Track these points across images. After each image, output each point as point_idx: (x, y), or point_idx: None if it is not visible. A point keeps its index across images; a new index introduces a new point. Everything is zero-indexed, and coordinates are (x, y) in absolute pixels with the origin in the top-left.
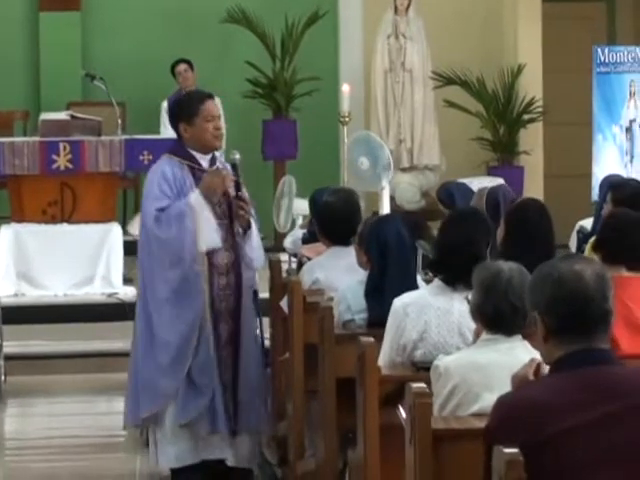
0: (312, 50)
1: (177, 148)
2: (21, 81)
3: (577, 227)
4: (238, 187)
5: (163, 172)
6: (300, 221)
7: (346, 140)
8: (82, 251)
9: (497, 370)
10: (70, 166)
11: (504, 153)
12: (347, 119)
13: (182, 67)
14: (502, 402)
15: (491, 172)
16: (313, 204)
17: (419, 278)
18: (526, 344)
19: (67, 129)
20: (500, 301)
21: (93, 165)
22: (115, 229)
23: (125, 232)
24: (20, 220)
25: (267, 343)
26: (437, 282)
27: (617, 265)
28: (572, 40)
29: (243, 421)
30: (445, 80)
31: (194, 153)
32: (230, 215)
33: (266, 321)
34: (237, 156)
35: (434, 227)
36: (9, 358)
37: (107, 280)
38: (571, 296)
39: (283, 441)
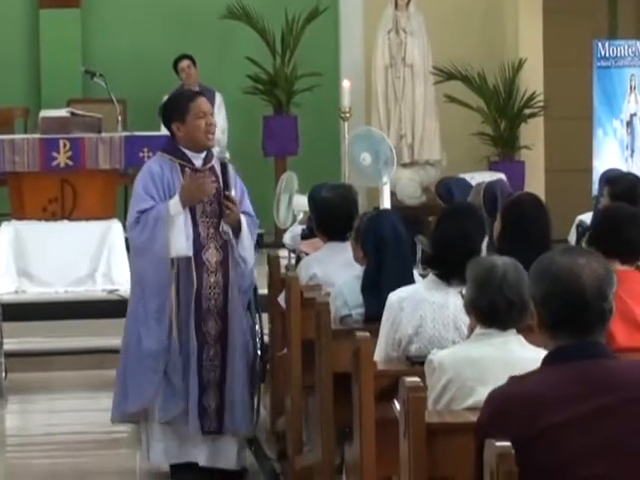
0: (312, 46)
1: (170, 146)
2: (21, 78)
3: (577, 221)
4: (227, 186)
5: (151, 171)
6: (301, 217)
7: (347, 136)
8: (82, 248)
9: (491, 364)
10: (70, 163)
11: (505, 148)
12: (348, 115)
13: (185, 63)
14: (493, 396)
15: (492, 167)
16: (311, 200)
17: (416, 273)
18: (520, 338)
19: (67, 126)
20: (495, 296)
21: (93, 162)
22: (115, 226)
23: (125, 229)
24: (20, 217)
25: (266, 339)
26: (432, 277)
27: (611, 259)
28: (573, 34)
29: (228, 421)
30: (446, 75)
31: (187, 152)
32: (220, 214)
33: (265, 317)
34: (227, 155)
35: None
36: (10, 355)
37: (108, 277)
38: (565, 294)
39: (282, 436)
